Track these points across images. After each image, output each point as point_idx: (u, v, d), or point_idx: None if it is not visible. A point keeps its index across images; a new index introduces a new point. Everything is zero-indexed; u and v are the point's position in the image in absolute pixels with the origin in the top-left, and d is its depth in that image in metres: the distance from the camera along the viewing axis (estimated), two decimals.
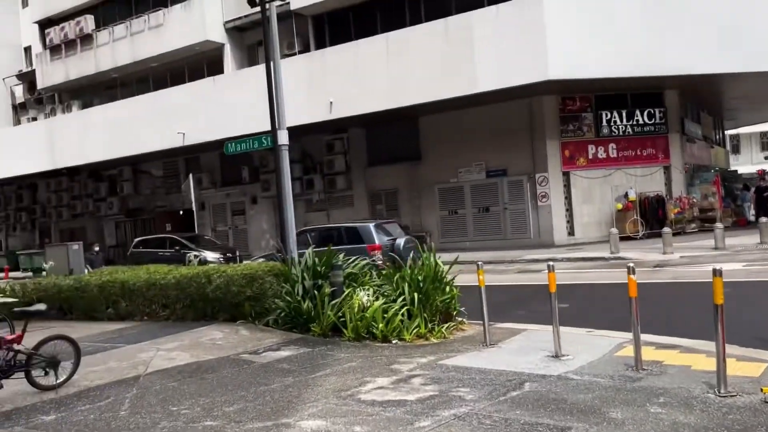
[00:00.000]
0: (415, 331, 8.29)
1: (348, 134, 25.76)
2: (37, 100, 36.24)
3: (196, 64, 28.81)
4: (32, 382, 6.50)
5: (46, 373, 6.59)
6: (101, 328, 10.53)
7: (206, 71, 28.15)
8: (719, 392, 5.30)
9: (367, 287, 9.02)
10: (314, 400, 5.83)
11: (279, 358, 7.65)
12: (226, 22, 27.52)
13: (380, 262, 12.76)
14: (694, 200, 23.64)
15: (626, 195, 22.08)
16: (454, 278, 9.14)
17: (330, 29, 25.51)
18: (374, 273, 9.67)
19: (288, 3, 24.66)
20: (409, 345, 8.00)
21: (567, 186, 22.38)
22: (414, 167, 24.57)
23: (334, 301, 8.80)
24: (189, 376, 7.05)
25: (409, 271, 8.99)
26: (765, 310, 9.38)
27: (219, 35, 27.56)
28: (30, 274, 24.99)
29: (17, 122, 37.56)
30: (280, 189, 10.66)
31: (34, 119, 36.11)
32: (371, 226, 15.55)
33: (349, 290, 8.90)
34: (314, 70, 23.04)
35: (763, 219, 17.35)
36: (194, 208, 23.10)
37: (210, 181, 29.14)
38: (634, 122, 22.70)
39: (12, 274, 27.80)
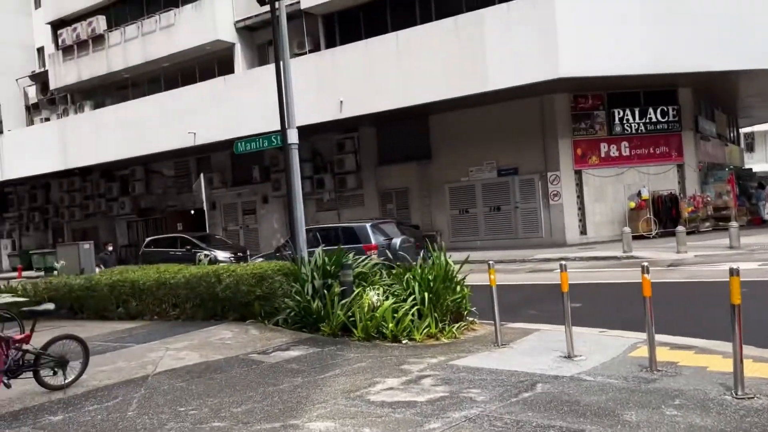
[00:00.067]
0: (425, 331, 8.21)
1: (358, 133, 25.72)
2: (50, 100, 36.49)
3: (207, 63, 28.87)
4: (41, 381, 6.48)
5: (55, 373, 6.57)
6: (111, 327, 10.54)
7: (217, 71, 28.20)
8: (736, 394, 5.18)
9: (377, 287, 8.94)
10: (323, 400, 5.77)
11: (288, 358, 7.59)
12: (237, 22, 27.55)
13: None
14: (709, 199, 23.40)
15: (639, 193, 21.88)
16: (464, 278, 9.04)
17: (340, 28, 25.47)
18: (384, 272, 9.59)
19: (298, 2, 24.70)
20: (420, 345, 7.92)
21: (579, 185, 22.21)
22: (424, 166, 24.49)
23: (343, 301, 8.73)
24: (197, 376, 7.01)
25: (419, 271, 8.90)
26: None
27: (229, 35, 27.59)
28: (42, 273, 25.13)
29: (30, 123, 37.83)
30: (290, 188, 10.60)
31: (47, 119, 36.36)
32: (368, 226, 15.55)
33: (358, 290, 8.83)
34: (324, 69, 23.01)
35: None
36: (205, 208, 23.18)
37: (221, 180, 29.20)
38: (647, 120, 22.49)
39: (25, 273, 28.03)
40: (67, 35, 32.46)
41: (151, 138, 26.93)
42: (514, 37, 19.37)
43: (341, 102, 22.04)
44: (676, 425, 4.66)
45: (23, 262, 31.72)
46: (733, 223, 17.51)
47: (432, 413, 5.24)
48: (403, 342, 8.02)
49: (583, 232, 22.14)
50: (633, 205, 21.85)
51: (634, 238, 18.70)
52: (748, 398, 5.10)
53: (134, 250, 30.66)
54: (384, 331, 8.18)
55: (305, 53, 25.18)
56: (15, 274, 28.94)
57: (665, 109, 22.61)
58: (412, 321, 8.22)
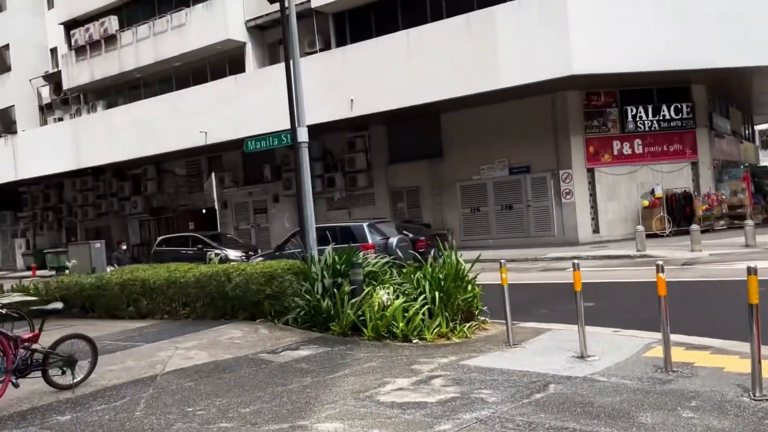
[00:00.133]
0: (436, 330, 8.12)
1: (369, 132, 25.65)
2: (63, 100, 36.71)
3: (218, 63, 28.93)
4: (49, 381, 6.46)
5: (63, 373, 6.54)
6: (122, 326, 10.54)
7: (228, 70, 28.24)
8: (754, 396, 5.06)
9: (387, 286, 8.87)
10: (332, 401, 5.70)
11: (297, 358, 7.54)
12: (248, 21, 27.57)
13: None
14: (723, 197, 23.13)
15: (653, 191, 21.66)
16: (476, 277, 8.95)
17: (351, 26, 25.42)
18: (394, 271, 9.52)
19: (309, 1, 24.68)
20: (430, 345, 7.83)
21: (591, 183, 22.02)
22: (436, 164, 24.38)
23: (353, 300, 8.66)
24: (206, 375, 6.96)
25: (429, 270, 8.82)
26: None
27: (240, 34, 27.62)
28: (54, 272, 25.29)
29: (44, 122, 38.07)
30: (300, 186, 10.56)
31: (60, 119, 36.57)
32: (365, 225, 15.55)
33: (369, 289, 8.76)
34: (335, 67, 22.96)
35: None
36: (217, 207, 23.21)
37: (232, 179, 29.24)
38: (661, 117, 22.26)
39: (39, 272, 28.23)
40: (79, 35, 32.65)
41: (163, 137, 27.02)
42: (526, 34, 19.22)
43: (352, 100, 21.98)
44: (692, 428, 4.55)
45: (37, 261, 31.96)
46: (749, 221, 17.28)
47: (442, 414, 5.16)
48: (414, 342, 7.94)
49: (596, 230, 21.95)
50: (646, 203, 21.63)
51: (648, 236, 18.50)
52: (767, 400, 4.98)
53: (146, 249, 30.77)
54: (394, 330, 8.10)
55: (316, 52, 25.15)
56: (29, 273, 29.15)
57: (679, 106, 22.36)
58: (422, 320, 8.14)
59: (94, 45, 32.10)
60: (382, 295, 8.59)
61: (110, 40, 31.44)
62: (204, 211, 29.00)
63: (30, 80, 37.81)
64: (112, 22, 31.20)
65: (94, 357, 6.85)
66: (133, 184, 32.89)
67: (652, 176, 22.13)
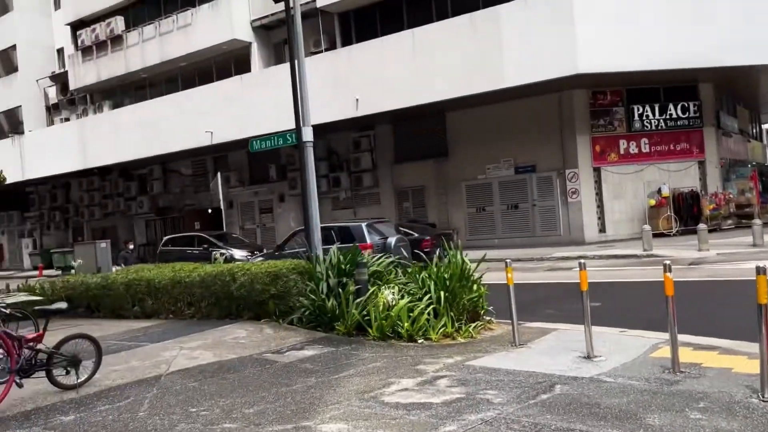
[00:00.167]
0: (441, 330, 8.08)
1: (374, 131, 25.62)
2: (70, 100, 36.82)
3: (224, 63, 28.93)
4: (53, 381, 6.45)
5: (67, 372, 6.53)
6: (127, 326, 10.54)
7: (234, 70, 28.24)
8: (763, 397, 5.00)
9: (392, 285, 8.83)
10: (336, 401, 5.67)
11: (302, 358, 7.51)
12: (253, 21, 27.57)
13: None
14: (731, 196, 23.00)
15: (659, 191, 21.55)
16: (481, 276, 8.90)
17: (356, 26, 25.38)
18: (399, 271, 9.48)
19: (314, 0, 24.64)
20: (436, 345, 7.79)
21: (598, 182, 21.92)
22: (441, 164, 24.33)
23: (358, 300, 8.63)
24: (210, 375, 6.94)
25: (435, 269, 8.78)
26: None
27: (246, 34, 27.63)
28: (61, 272, 25.35)
29: (51, 123, 38.20)
30: (305, 186, 10.54)
31: (67, 120, 36.69)
32: (363, 225, 15.54)
33: (373, 288, 8.72)
34: (340, 67, 22.94)
35: None
36: (222, 207, 23.20)
37: (238, 179, 29.26)
38: (667, 116, 22.14)
39: (46, 272, 28.33)
40: (86, 36, 32.73)
41: (169, 137, 27.06)
42: (532, 33, 19.15)
43: (357, 100, 21.96)
44: (700, 429, 4.49)
45: (44, 261, 32.06)
46: (756, 221, 17.16)
47: (447, 415, 5.12)
48: (419, 342, 7.90)
49: (602, 230, 21.85)
50: (653, 202, 21.53)
51: (655, 236, 18.40)
52: None
53: (152, 248, 30.82)
54: (399, 330, 8.07)
55: (321, 51, 25.12)
56: (36, 272, 29.26)
57: (686, 104, 22.24)
58: (427, 320, 8.10)
59: (100, 45, 32.18)
60: (387, 294, 8.55)
61: (116, 40, 31.50)
62: (210, 210, 29.05)
63: (37, 81, 37.94)
64: (119, 23, 31.26)
65: (98, 357, 6.84)
66: (140, 184, 32.97)
67: (658, 175, 22.02)
